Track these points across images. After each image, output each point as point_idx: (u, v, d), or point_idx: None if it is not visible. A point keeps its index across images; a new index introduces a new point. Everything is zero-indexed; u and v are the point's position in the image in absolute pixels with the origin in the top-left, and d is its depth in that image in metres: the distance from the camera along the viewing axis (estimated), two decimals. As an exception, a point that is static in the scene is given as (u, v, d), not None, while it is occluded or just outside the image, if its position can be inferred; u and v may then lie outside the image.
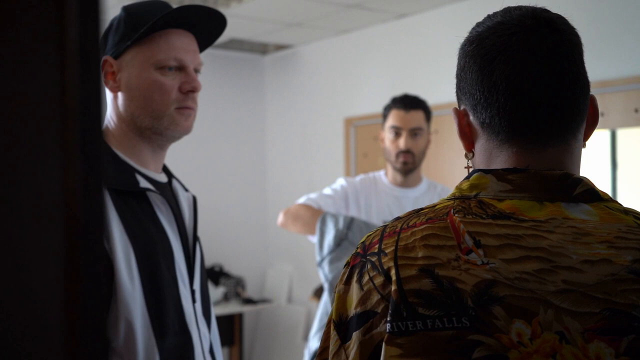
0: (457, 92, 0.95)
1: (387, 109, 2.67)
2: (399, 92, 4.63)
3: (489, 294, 0.77)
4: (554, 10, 0.91)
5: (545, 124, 0.87)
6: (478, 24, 0.93)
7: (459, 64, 0.94)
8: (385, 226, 0.89)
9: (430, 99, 4.37)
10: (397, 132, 2.59)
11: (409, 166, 2.59)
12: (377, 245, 0.86)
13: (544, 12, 0.89)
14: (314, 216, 2.55)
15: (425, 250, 0.81)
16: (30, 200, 0.27)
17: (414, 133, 2.59)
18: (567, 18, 0.90)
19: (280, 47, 5.51)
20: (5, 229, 0.27)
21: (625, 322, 0.76)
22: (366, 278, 0.84)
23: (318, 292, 4.69)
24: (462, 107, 0.94)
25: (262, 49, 5.60)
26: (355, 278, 0.86)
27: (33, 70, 0.27)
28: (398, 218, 0.90)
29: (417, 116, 2.60)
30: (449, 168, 4.26)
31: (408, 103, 2.61)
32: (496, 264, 0.79)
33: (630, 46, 3.26)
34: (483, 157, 0.91)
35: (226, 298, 5.04)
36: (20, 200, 0.27)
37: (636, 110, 3.28)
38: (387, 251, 0.84)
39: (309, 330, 5.33)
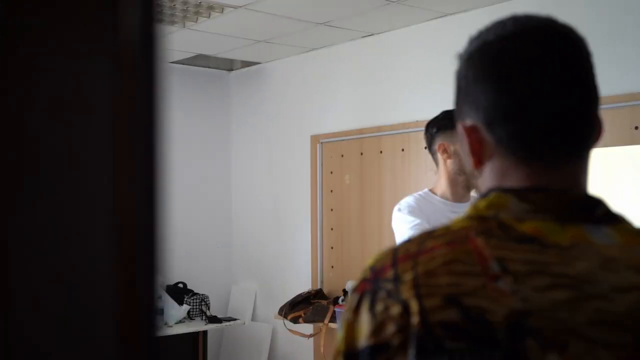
0: (459, 106, 0.89)
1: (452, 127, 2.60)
2: (366, 110, 4.67)
3: (520, 325, 0.72)
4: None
5: (566, 141, 0.83)
6: (485, 33, 0.86)
7: (465, 76, 0.87)
8: (395, 249, 0.82)
9: (397, 118, 4.39)
10: None
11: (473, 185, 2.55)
12: (391, 271, 0.78)
13: (555, 22, 0.85)
14: None
15: (449, 277, 0.75)
16: (83, 207, 0.26)
17: None
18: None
19: (246, 64, 5.49)
20: (62, 236, 0.25)
21: None
22: (380, 307, 0.76)
23: (283, 311, 4.65)
24: (469, 123, 0.87)
25: (229, 65, 5.58)
26: (366, 306, 0.78)
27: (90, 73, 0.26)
28: (409, 240, 0.82)
29: None
30: (415, 185, 4.27)
31: None
32: (527, 292, 0.73)
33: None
34: (496, 175, 0.85)
35: (190, 316, 4.96)
36: (73, 206, 0.26)
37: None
38: (405, 278, 0.76)
39: (273, 349, 5.28)
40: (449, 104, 3.79)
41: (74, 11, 0.25)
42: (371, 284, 0.79)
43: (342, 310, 0.84)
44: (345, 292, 4.48)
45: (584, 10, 3.42)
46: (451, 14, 4.05)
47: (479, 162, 0.87)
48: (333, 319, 4.41)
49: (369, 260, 0.84)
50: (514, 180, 0.84)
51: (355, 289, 0.82)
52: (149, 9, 0.27)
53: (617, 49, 3.30)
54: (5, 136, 0.24)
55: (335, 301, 4.53)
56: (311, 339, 4.84)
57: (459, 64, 0.89)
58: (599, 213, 0.81)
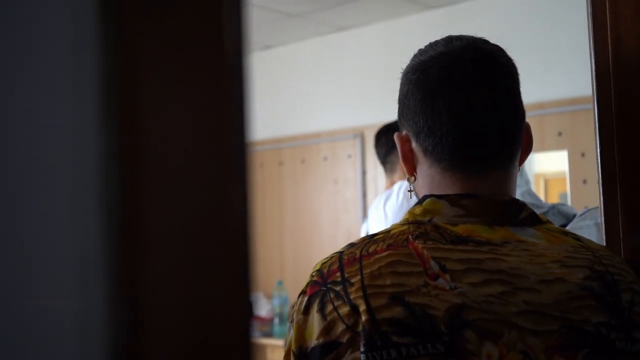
0: (399, 117, 0.96)
1: None
2: (264, 121, 4.69)
3: (460, 318, 0.78)
4: (492, 36, 0.95)
5: (487, 153, 0.90)
6: (421, 52, 0.94)
7: (401, 90, 0.95)
8: (340, 252, 0.88)
9: (297, 129, 4.45)
10: None
11: None
12: (338, 274, 0.84)
13: (484, 43, 0.93)
14: None
15: (393, 277, 0.81)
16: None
17: None
18: (505, 49, 0.94)
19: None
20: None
21: (580, 337, 0.80)
22: (329, 308, 0.82)
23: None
24: (404, 132, 0.95)
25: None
26: (315, 308, 0.83)
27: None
28: (352, 244, 0.89)
29: None
30: (316, 195, 4.34)
31: None
32: (464, 288, 0.80)
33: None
34: (426, 182, 0.93)
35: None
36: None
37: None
38: (352, 280, 0.82)
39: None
40: (346, 115, 3.90)
41: (185, 36, 0.27)
42: (320, 287, 0.85)
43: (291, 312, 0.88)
44: (247, 303, 4.47)
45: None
46: (347, 28, 4.16)
47: (412, 168, 0.95)
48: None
49: (316, 265, 0.89)
50: (442, 186, 0.91)
51: (303, 292, 0.87)
52: (243, 19, 0.29)
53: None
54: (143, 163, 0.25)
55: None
56: None
57: (401, 79, 0.96)
58: (523, 216, 0.89)
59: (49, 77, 0.25)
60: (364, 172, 4.20)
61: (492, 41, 0.94)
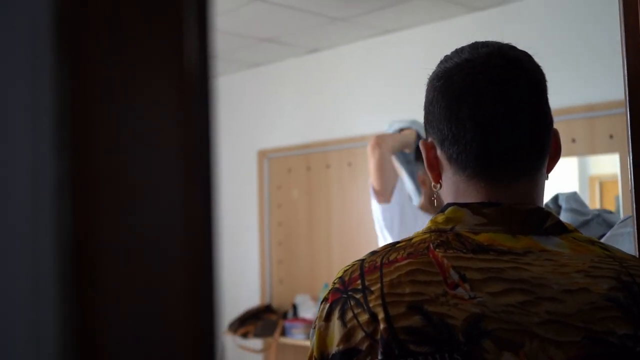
0: (425, 124, 0.96)
1: None
2: (311, 124, 4.72)
3: (478, 328, 0.77)
4: (521, 43, 0.93)
5: (512, 162, 0.89)
6: (446, 59, 0.94)
7: (427, 97, 0.94)
8: (362, 260, 0.88)
9: (343, 132, 4.46)
10: None
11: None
12: (359, 281, 0.85)
13: (510, 49, 0.91)
14: None
15: (413, 286, 0.81)
16: (158, 226, 0.28)
17: None
18: (532, 55, 0.92)
19: (192, 79, 5.47)
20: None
21: (604, 349, 0.78)
22: (349, 315, 0.83)
23: (232, 326, 4.63)
24: (429, 139, 0.95)
25: (174, 80, 5.55)
26: (336, 315, 0.84)
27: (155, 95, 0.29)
28: (374, 252, 0.89)
29: None
30: (362, 198, 4.34)
31: None
32: (483, 297, 0.79)
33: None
34: (451, 190, 0.92)
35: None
36: (150, 224, 0.28)
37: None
38: (372, 288, 0.83)
39: (222, 366, 5.24)
40: (392, 117, 3.86)
41: (143, 38, 0.28)
42: (341, 294, 0.86)
43: (313, 320, 0.90)
44: (294, 306, 4.50)
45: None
46: (393, 30, 4.15)
47: (438, 176, 0.94)
48: (283, 334, 4.41)
49: (338, 272, 0.90)
50: (467, 195, 0.90)
51: (325, 299, 0.88)
52: (206, 37, 0.30)
53: (554, 65, 3.44)
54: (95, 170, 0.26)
55: (284, 315, 4.54)
56: (261, 354, 4.83)
57: (427, 85, 0.95)
58: (548, 224, 0.87)
59: (6, 107, 0.26)
60: (410, 175, 4.17)
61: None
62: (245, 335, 4.59)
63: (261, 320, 4.61)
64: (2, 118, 0.27)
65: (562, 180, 3.47)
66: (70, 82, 0.26)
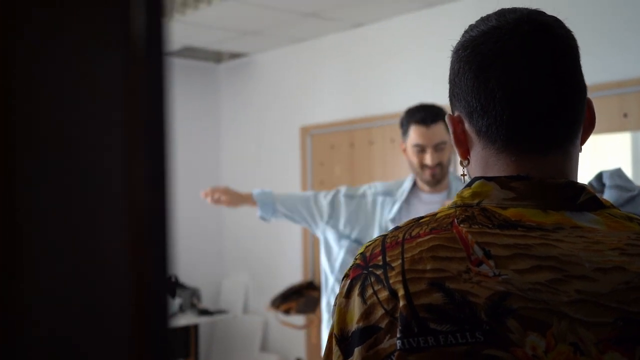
0: (450, 98, 0.92)
1: (406, 124, 2.53)
2: (355, 100, 4.67)
3: (502, 306, 0.74)
4: (548, 12, 0.88)
5: (544, 132, 0.84)
6: (471, 27, 0.89)
7: (452, 69, 0.90)
8: (384, 236, 0.85)
9: (387, 108, 4.40)
10: (422, 149, 2.47)
11: (437, 177, 2.51)
12: (380, 257, 0.82)
13: (539, 15, 0.86)
14: None
15: (434, 262, 0.78)
16: (97, 196, 0.26)
17: (438, 148, 2.47)
18: (562, 20, 0.88)
19: (234, 56, 5.47)
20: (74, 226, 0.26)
21: (638, 331, 0.74)
22: (369, 292, 0.80)
23: (275, 302, 4.66)
24: (456, 114, 0.91)
25: (217, 57, 5.56)
26: (357, 291, 0.82)
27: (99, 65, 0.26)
28: (397, 227, 0.86)
29: (439, 130, 2.46)
30: (405, 175, 4.28)
31: (428, 118, 2.46)
32: (508, 275, 0.76)
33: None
34: (480, 165, 0.88)
35: (181, 309, 4.96)
36: (85, 196, 0.26)
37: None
38: (393, 265, 0.80)
39: (265, 341, 5.29)
40: (437, 93, 3.81)
41: (85, 6, 0.26)
42: (362, 270, 0.83)
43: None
44: (336, 283, 4.50)
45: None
46: (439, 4, 4.05)
47: (465, 151, 0.90)
48: (325, 310, 4.42)
49: (360, 247, 0.87)
50: (497, 169, 0.86)
51: (346, 275, 0.85)
52: (155, 3, 0.27)
53: (605, 37, 3.32)
54: (21, 130, 0.24)
55: (326, 292, 4.54)
56: (303, 330, 4.86)
57: (451, 57, 0.91)
58: (582, 200, 0.83)
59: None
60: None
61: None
62: (287, 312, 4.61)
63: (303, 297, 4.63)
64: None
65: (613, 156, 3.35)
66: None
